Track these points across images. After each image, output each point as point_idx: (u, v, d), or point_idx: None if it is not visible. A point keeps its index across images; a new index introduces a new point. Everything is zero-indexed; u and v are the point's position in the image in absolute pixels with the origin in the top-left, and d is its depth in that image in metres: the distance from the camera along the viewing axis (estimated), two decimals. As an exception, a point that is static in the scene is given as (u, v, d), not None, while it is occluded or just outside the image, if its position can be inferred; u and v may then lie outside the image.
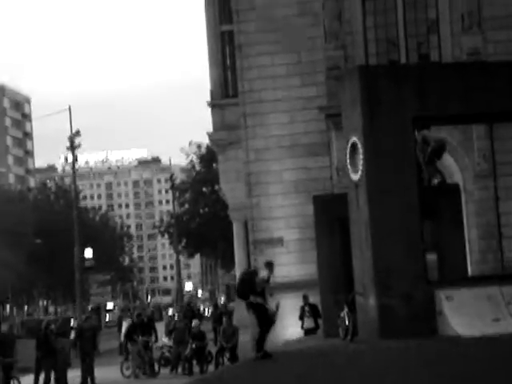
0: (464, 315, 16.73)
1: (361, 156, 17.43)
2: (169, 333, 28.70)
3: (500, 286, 17.22)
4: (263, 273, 17.24)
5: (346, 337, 17.42)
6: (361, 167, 17.46)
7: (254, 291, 16.76)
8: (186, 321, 29.39)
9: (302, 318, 24.77)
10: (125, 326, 33.02)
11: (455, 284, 17.58)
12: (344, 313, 17.64)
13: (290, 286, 26.71)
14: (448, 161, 27.16)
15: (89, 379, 25.98)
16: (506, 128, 25.57)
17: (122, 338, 32.19)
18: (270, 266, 17.60)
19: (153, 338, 28.25)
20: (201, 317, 39.71)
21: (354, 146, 17.77)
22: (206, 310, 79.75)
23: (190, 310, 36.33)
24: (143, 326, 28.23)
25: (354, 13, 27.28)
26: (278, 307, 17.35)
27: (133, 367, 27.54)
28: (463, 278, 19.28)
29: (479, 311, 16.84)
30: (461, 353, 15.28)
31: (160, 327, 33.36)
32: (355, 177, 17.74)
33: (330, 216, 20.60)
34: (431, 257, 18.99)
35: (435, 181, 20.35)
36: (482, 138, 26.09)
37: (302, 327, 24.73)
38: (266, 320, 16.74)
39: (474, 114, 18.58)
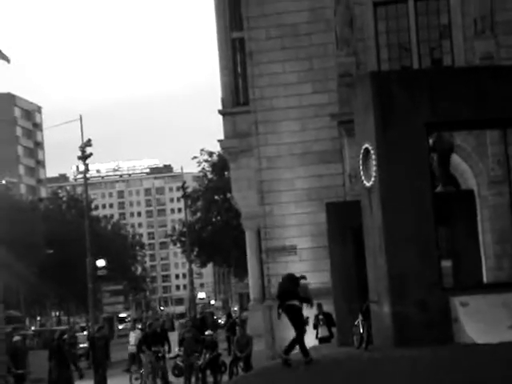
0: (480, 322, 16.59)
1: (374, 162, 17.33)
2: (179, 343, 28.61)
3: (516, 293, 17.07)
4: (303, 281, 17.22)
5: (361, 345, 17.30)
6: (374, 174, 17.36)
7: (297, 296, 16.61)
8: (194, 331, 29.26)
9: (316, 326, 24.64)
10: (132, 336, 32.80)
11: (470, 291, 17.43)
12: (358, 321, 17.54)
13: (303, 295, 26.55)
14: (462, 167, 27.03)
15: None
16: (519, 133, 25.44)
17: (130, 348, 32.03)
18: (304, 278, 17.64)
19: (166, 348, 28.11)
20: (216, 327, 39.60)
21: (366, 152, 17.67)
22: (220, 319, 79.66)
23: (200, 320, 36.18)
24: (156, 336, 28.12)
25: (366, 19, 27.17)
26: (307, 320, 17.50)
27: (144, 377, 27.45)
28: (479, 285, 19.14)
29: (495, 318, 16.69)
30: (477, 360, 15.13)
31: (173, 337, 33.26)
32: (368, 183, 17.63)
33: (342, 223, 20.50)
34: (446, 263, 18.85)
35: (445, 188, 20.23)
36: (496, 144, 25.89)
37: (317, 336, 24.60)
38: (301, 325, 16.74)
39: (487, 119, 18.44)
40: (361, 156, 17.93)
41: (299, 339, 16.58)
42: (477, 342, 16.12)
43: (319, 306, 24.80)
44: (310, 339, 24.60)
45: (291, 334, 25.34)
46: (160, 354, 27.33)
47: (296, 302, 16.66)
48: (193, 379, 27.37)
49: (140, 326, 36.13)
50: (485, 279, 23.23)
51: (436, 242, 17.27)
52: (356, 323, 17.63)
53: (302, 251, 27.37)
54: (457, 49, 26.78)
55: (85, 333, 54.27)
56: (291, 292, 16.82)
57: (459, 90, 17.69)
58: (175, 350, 29.60)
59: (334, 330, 23.36)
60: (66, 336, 25.49)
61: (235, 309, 76.90)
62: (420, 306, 16.76)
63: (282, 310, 16.79)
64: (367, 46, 27.13)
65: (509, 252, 25.64)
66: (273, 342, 27.17)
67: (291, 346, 16.50)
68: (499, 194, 25.78)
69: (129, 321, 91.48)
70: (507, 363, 14.88)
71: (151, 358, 27.24)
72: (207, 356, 27.06)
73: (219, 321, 79.26)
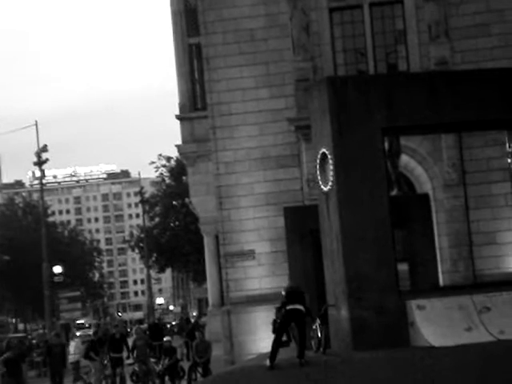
0: (436, 325, 16.73)
1: (331, 167, 17.42)
2: (131, 350, 28.55)
3: (471, 296, 17.25)
4: None
5: (319, 349, 17.35)
6: (331, 178, 17.45)
7: (304, 301, 16.62)
8: (146, 337, 29.19)
9: (275, 331, 24.63)
10: (72, 345, 32.48)
11: (427, 294, 17.59)
12: (316, 325, 17.58)
13: (261, 299, 26.63)
14: (418, 171, 27.28)
15: None
16: (474, 137, 25.75)
17: (70, 358, 31.76)
18: None
19: (124, 355, 28.11)
20: (171, 332, 39.56)
21: (323, 157, 17.76)
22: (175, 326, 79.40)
23: (155, 326, 36.06)
24: (115, 342, 28.07)
25: (322, 24, 27.31)
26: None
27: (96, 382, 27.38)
28: (435, 288, 19.33)
29: (451, 321, 16.84)
30: (434, 363, 15.27)
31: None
32: (325, 188, 17.73)
33: (301, 228, 20.58)
34: (402, 267, 19.02)
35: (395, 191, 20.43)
36: (451, 148, 26.21)
37: (276, 340, 24.61)
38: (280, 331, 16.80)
39: (442, 123, 18.63)
40: (318, 160, 18.01)
41: (278, 344, 16.41)
42: (433, 345, 16.26)
43: (278, 310, 24.83)
44: (269, 343, 24.66)
45: (249, 338, 25.47)
46: (106, 362, 27.30)
47: (301, 307, 16.47)
48: (151, 384, 27.30)
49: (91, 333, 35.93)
50: (441, 282, 23.49)
51: (392, 245, 17.41)
52: (314, 327, 17.67)
53: (260, 256, 27.39)
54: (412, 54, 27.03)
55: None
56: (300, 294, 16.61)
57: (415, 94, 17.86)
58: (133, 355, 29.47)
59: (291, 334, 23.39)
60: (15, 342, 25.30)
61: (194, 314, 76.74)
62: (377, 310, 16.86)
63: (285, 314, 16.50)
64: (323, 51, 27.27)
65: (464, 255, 25.95)
66: (231, 347, 27.18)
67: (302, 349, 16.32)
68: (454, 197, 26.11)
69: (87, 327, 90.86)
70: (464, 366, 15.06)
71: (99, 365, 27.24)
72: (166, 362, 27.00)
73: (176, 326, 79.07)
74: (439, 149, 26.38)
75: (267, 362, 16.02)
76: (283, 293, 16.83)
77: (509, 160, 19.11)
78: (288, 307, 16.38)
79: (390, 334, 16.73)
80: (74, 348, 30.60)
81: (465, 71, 21.78)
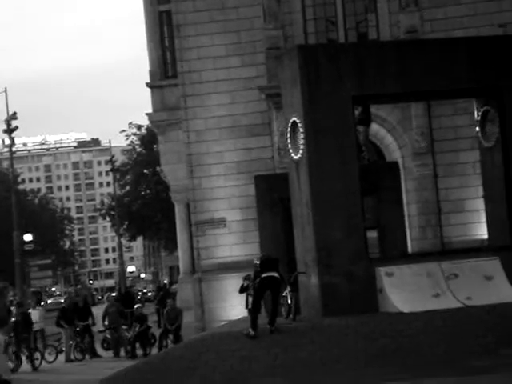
0: (404, 291, 16.96)
1: (301, 135, 17.51)
2: (103, 317, 28.65)
3: (439, 262, 17.49)
4: None
5: (289, 316, 17.52)
6: (301, 146, 17.55)
7: (278, 268, 16.64)
8: (118, 305, 29.30)
9: (241, 291, 24.80)
10: (34, 314, 32.45)
11: (395, 261, 17.80)
12: (286, 292, 17.73)
13: (232, 267, 26.80)
14: (387, 139, 27.47)
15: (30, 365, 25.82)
16: (443, 106, 25.96)
17: (36, 326, 31.78)
18: None
19: (90, 322, 28.25)
20: (141, 301, 39.65)
21: (294, 125, 17.85)
22: (150, 292, 79.58)
23: (127, 294, 36.16)
24: (79, 311, 28.18)
25: (293, -8, 27.32)
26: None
27: (67, 351, 27.46)
28: (403, 255, 19.55)
29: (419, 287, 17.08)
30: (402, 328, 15.52)
31: (97, 311, 33.25)
32: (296, 156, 17.83)
33: (271, 196, 20.69)
34: (372, 234, 19.22)
35: (365, 157, 20.53)
36: (420, 116, 26.40)
37: (246, 306, 24.81)
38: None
39: (411, 92, 18.78)
40: (288, 129, 18.10)
41: (257, 312, 16.49)
42: (402, 311, 16.49)
43: (248, 278, 25.01)
44: (240, 310, 24.88)
45: (220, 306, 25.59)
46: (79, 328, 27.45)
47: (276, 274, 16.49)
48: (122, 352, 27.45)
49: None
50: (409, 249, 23.76)
51: (362, 213, 17.59)
52: (284, 294, 17.83)
53: (231, 224, 27.53)
54: (382, 23, 27.12)
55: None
56: (274, 261, 16.62)
57: (385, 63, 17.97)
58: (105, 323, 29.58)
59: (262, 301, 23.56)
60: None
61: (165, 282, 76.85)
62: (347, 277, 17.08)
63: (260, 282, 16.48)
64: (294, 20, 27.28)
65: (433, 222, 26.25)
66: (202, 314, 27.38)
67: (274, 317, 16.41)
68: (423, 165, 26.36)
69: (58, 294, 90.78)
70: (431, 331, 15.32)
71: (71, 333, 27.36)
72: (136, 329, 27.15)
73: (149, 294, 79.12)
74: (408, 117, 26.56)
75: (250, 332, 16.01)
76: (257, 262, 16.91)
77: (477, 128, 19.27)
78: (263, 275, 16.47)
79: (359, 301, 16.96)
80: (38, 316, 30.62)
81: (434, 40, 21.92)
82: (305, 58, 17.66)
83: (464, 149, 25.80)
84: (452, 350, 14.56)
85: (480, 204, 21.75)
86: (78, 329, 27.78)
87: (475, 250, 19.76)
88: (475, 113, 19.45)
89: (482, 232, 23.44)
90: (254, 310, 16.44)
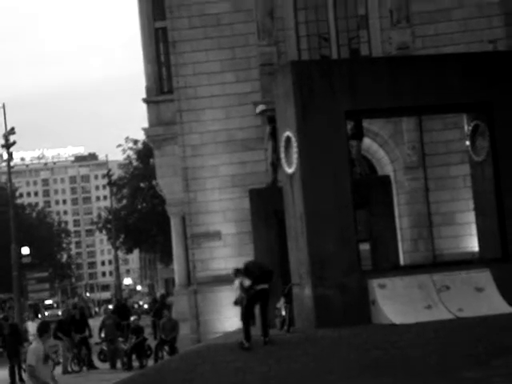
0: (397, 303, 17.14)
1: (295, 150, 17.76)
2: (100, 329, 28.85)
3: (431, 274, 17.70)
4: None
5: (283, 327, 17.71)
6: (295, 161, 17.80)
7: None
8: (115, 317, 29.50)
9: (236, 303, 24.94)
10: (30, 326, 32.58)
11: (388, 273, 18.00)
12: (280, 304, 17.94)
13: (227, 279, 26.83)
14: (379, 153, 27.72)
15: (17, 377, 26.03)
16: (434, 120, 26.22)
17: (30, 339, 31.92)
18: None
19: (87, 334, 28.45)
20: (137, 313, 39.75)
21: (288, 140, 18.09)
22: (146, 304, 79.55)
23: (121, 307, 36.33)
24: (76, 323, 28.38)
25: (286, 9, 27.58)
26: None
27: (64, 363, 27.65)
28: (395, 267, 19.75)
29: (411, 299, 17.26)
30: (395, 339, 15.69)
31: (93, 323, 33.43)
32: (290, 170, 18.07)
33: (266, 209, 20.88)
34: (364, 247, 19.43)
35: (358, 171, 20.79)
36: (412, 131, 26.65)
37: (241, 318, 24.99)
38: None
39: (403, 107, 19.03)
40: (282, 143, 18.35)
41: (249, 323, 16.59)
42: (394, 323, 16.68)
43: (239, 272, 25.14)
44: (234, 322, 25.07)
45: (215, 317, 25.77)
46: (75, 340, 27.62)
47: (267, 286, 16.50)
48: (118, 364, 27.64)
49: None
50: (401, 262, 23.97)
51: (354, 226, 17.82)
52: (278, 306, 18.05)
53: (226, 237, 27.71)
54: (374, 39, 27.39)
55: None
56: (269, 273, 16.58)
57: (377, 79, 18.24)
58: (102, 335, 29.79)
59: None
60: None
61: (162, 293, 76.90)
62: (340, 289, 17.28)
63: (255, 294, 16.52)
64: (288, 36, 27.57)
65: (424, 235, 26.47)
66: (197, 326, 27.53)
67: (266, 328, 16.47)
68: (414, 179, 26.61)
69: (55, 307, 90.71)
70: (423, 342, 15.49)
71: (69, 345, 27.56)
72: (133, 340, 27.34)
73: (145, 306, 79.00)
74: (400, 132, 26.82)
75: (245, 344, 16.16)
76: (241, 268, 16.93)
77: (467, 143, 19.55)
78: (258, 287, 16.55)
79: (352, 312, 17.16)
80: (35, 329, 30.70)
81: (425, 56, 22.17)
82: (298, 74, 17.93)
83: (455, 163, 26.04)
84: (444, 361, 14.69)
85: (471, 217, 21.97)
86: (75, 341, 27.99)
87: (466, 262, 19.97)
88: (465, 127, 19.74)
89: (472, 244, 23.66)
90: (246, 322, 16.60)
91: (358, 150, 20.75)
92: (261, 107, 21.40)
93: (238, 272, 17.73)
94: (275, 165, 21.32)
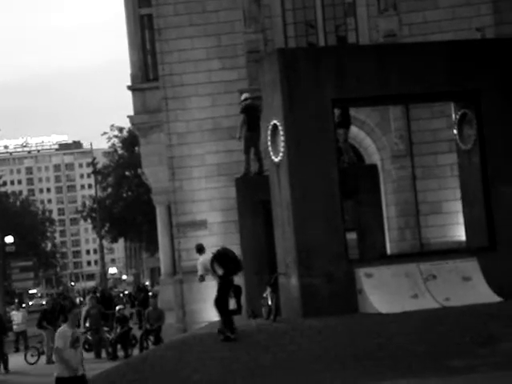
0: (383, 292, 17.12)
1: (282, 138, 17.66)
2: (85, 319, 28.72)
3: (418, 263, 17.68)
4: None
5: (269, 317, 17.66)
6: (282, 149, 17.70)
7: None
8: (99, 307, 29.38)
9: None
10: (16, 315, 32.45)
11: (375, 262, 17.97)
12: (267, 293, 17.87)
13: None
14: (366, 142, 27.65)
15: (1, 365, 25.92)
16: (421, 109, 26.17)
17: (15, 328, 31.86)
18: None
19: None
20: (123, 302, 39.66)
21: (274, 128, 18.00)
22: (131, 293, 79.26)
23: (105, 297, 36.23)
24: (64, 312, 28.23)
25: (273, -4, 27.47)
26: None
27: (48, 353, 27.51)
28: (382, 256, 19.72)
29: (398, 288, 17.25)
30: (382, 328, 15.67)
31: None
32: (276, 159, 17.98)
33: (252, 198, 20.78)
34: (351, 236, 19.38)
35: (345, 160, 20.72)
36: (399, 119, 26.59)
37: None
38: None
39: (390, 95, 18.95)
40: (269, 132, 18.25)
41: (227, 314, 16.52)
42: (381, 312, 16.65)
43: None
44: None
45: (201, 307, 25.67)
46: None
47: (235, 277, 16.73)
48: (103, 353, 27.52)
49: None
50: (388, 251, 23.96)
51: (341, 215, 17.75)
52: (264, 295, 17.98)
53: (212, 225, 27.61)
54: (361, 26, 27.31)
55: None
56: (238, 263, 16.70)
57: (364, 66, 18.15)
58: (86, 324, 29.66)
59: (243, 302, 23.66)
60: None
61: (147, 283, 76.78)
62: (326, 278, 17.23)
63: (225, 284, 16.63)
64: (274, 23, 27.44)
65: (411, 224, 26.45)
66: (183, 315, 27.45)
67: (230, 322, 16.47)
68: (402, 167, 26.57)
69: (39, 296, 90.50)
70: (410, 331, 15.48)
71: (53, 334, 27.39)
72: (118, 330, 27.22)
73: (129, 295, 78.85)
74: (387, 120, 26.76)
75: (230, 335, 16.07)
76: (212, 255, 16.86)
77: (454, 131, 19.50)
78: (228, 277, 16.53)
79: (339, 302, 17.12)
80: (20, 318, 30.55)
81: (412, 44, 22.11)
82: (285, 62, 17.82)
83: (442, 151, 26.02)
84: (430, 351, 14.70)
85: (458, 206, 21.94)
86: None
87: (453, 251, 19.96)
88: (453, 116, 19.68)
89: (459, 233, 23.65)
90: (223, 312, 16.53)
91: (344, 138, 20.68)
92: (245, 95, 21.25)
93: (201, 249, 18.17)
94: (249, 153, 21.26)
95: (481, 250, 18.20)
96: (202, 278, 18.01)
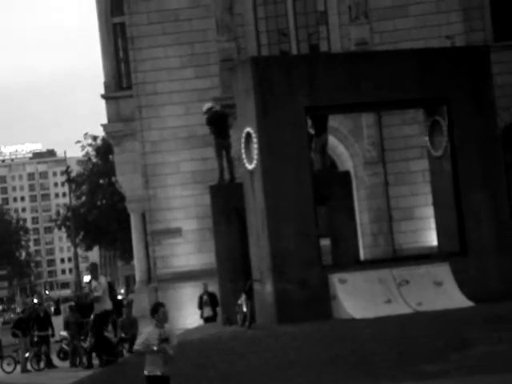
0: (357, 298, 17.22)
1: (255, 145, 17.75)
2: (65, 326, 28.62)
3: (391, 269, 17.79)
4: None
5: (244, 323, 17.71)
6: (255, 157, 17.79)
7: None
8: (78, 315, 29.30)
9: (201, 307, 25.00)
10: None
11: (348, 268, 18.08)
12: (242, 300, 17.93)
13: (188, 276, 26.93)
14: (340, 149, 27.83)
15: None
16: (393, 115, 26.39)
17: None
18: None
19: (49, 332, 28.22)
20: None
21: (248, 135, 18.08)
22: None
23: (81, 305, 36.05)
24: (40, 321, 28.14)
25: (245, 5, 27.59)
26: None
27: (22, 362, 27.39)
28: (356, 262, 19.83)
29: (371, 294, 17.35)
30: (355, 334, 15.77)
31: (56, 321, 33.19)
32: (250, 166, 18.07)
33: (226, 205, 20.84)
34: (325, 242, 19.47)
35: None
36: (371, 126, 26.81)
37: (202, 316, 25.00)
38: None
39: (362, 102, 19.10)
40: (243, 139, 18.33)
41: None
42: (354, 318, 16.75)
43: (204, 286, 25.18)
44: (195, 319, 25.04)
45: (176, 314, 25.66)
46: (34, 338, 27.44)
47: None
48: (78, 361, 27.40)
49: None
50: (362, 256, 24.11)
51: (315, 221, 17.87)
52: (239, 302, 18.04)
53: (187, 233, 27.65)
54: (333, 35, 27.51)
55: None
56: None
57: (336, 75, 18.28)
58: (61, 333, 29.57)
59: (218, 309, 23.75)
60: None
61: (122, 291, 76.48)
62: (300, 284, 17.32)
63: None
64: (247, 32, 27.58)
65: (384, 230, 26.65)
66: (159, 323, 27.40)
67: None
68: (374, 174, 26.77)
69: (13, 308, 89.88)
70: (383, 336, 15.59)
71: (26, 342, 27.34)
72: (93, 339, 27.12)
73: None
74: (360, 127, 26.96)
75: None
76: None
77: (426, 138, 19.69)
78: None
79: (313, 308, 17.21)
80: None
81: (384, 52, 22.29)
82: (258, 70, 17.92)
83: (414, 158, 26.24)
84: (403, 355, 14.80)
85: (430, 211, 22.15)
86: (35, 339, 27.74)
87: (425, 256, 20.11)
88: (424, 122, 19.86)
89: (432, 239, 23.84)
90: None
91: (322, 144, 20.77)
92: (207, 106, 21.26)
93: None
94: (221, 160, 21.29)
95: (452, 255, 18.37)
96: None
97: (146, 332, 11.79)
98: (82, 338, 28.29)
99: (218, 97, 26.87)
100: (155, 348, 11.54)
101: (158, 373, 11.68)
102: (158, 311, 11.80)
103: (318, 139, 20.38)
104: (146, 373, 11.70)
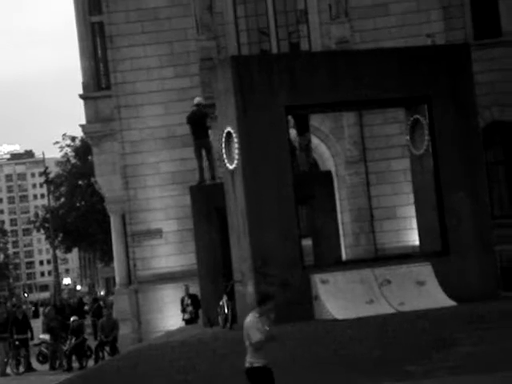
0: (339, 299, 17.16)
1: (236, 145, 17.65)
2: (47, 330, 28.41)
3: (372, 269, 17.75)
4: None
5: (226, 325, 17.62)
6: (236, 156, 17.69)
7: None
8: (60, 319, 29.11)
9: (184, 310, 24.85)
10: None
11: (330, 268, 18.01)
12: (223, 301, 17.84)
13: (169, 277, 26.80)
14: (321, 148, 27.78)
15: None
16: (374, 114, 26.38)
17: None
18: None
19: (28, 335, 28.00)
20: (81, 312, 39.29)
21: (228, 135, 17.98)
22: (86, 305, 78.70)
23: (61, 308, 35.90)
24: (18, 324, 27.91)
25: (225, 3, 27.48)
26: None
27: (1, 366, 27.17)
28: (337, 262, 19.78)
29: (353, 294, 17.30)
30: (337, 335, 15.70)
31: (34, 323, 32.96)
32: (231, 166, 17.96)
33: (207, 206, 20.74)
34: (306, 242, 19.41)
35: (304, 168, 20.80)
36: (352, 125, 26.79)
37: (183, 318, 24.88)
38: None
39: (343, 101, 19.05)
40: (223, 139, 18.22)
41: None
42: (336, 318, 16.68)
43: (186, 288, 25.06)
44: (176, 321, 24.90)
45: (157, 316, 25.56)
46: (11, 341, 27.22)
47: None
48: (57, 365, 27.23)
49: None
50: (344, 256, 24.07)
51: (296, 221, 17.78)
52: (221, 303, 17.94)
53: (167, 234, 27.52)
54: (313, 33, 27.46)
55: None
56: None
57: (316, 73, 18.21)
58: (40, 336, 29.37)
59: (199, 311, 23.65)
60: None
61: (102, 293, 76.25)
62: (282, 285, 17.22)
63: None
64: (227, 31, 27.47)
65: (366, 229, 26.63)
66: (139, 325, 27.31)
67: None
68: (356, 173, 26.74)
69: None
70: (366, 337, 15.53)
71: (5, 345, 27.12)
72: (73, 341, 26.95)
73: (85, 307, 78.39)
74: (341, 126, 26.93)
75: None
76: None
77: (407, 137, 19.66)
78: None
79: (295, 308, 17.11)
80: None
81: (364, 50, 22.27)
82: (238, 69, 17.82)
83: (395, 157, 26.24)
84: (386, 356, 14.73)
85: (411, 211, 22.11)
86: (17, 342, 27.50)
87: (407, 256, 20.08)
88: (405, 121, 19.83)
89: (413, 238, 23.81)
90: None
91: (306, 143, 20.72)
92: (197, 100, 21.21)
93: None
94: (201, 161, 21.23)
95: (434, 255, 18.34)
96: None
97: (252, 321, 10.68)
98: (63, 340, 28.14)
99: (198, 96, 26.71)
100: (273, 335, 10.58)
101: (267, 364, 10.83)
102: (268, 302, 10.66)
103: (302, 138, 20.32)
104: (257, 364, 10.74)
